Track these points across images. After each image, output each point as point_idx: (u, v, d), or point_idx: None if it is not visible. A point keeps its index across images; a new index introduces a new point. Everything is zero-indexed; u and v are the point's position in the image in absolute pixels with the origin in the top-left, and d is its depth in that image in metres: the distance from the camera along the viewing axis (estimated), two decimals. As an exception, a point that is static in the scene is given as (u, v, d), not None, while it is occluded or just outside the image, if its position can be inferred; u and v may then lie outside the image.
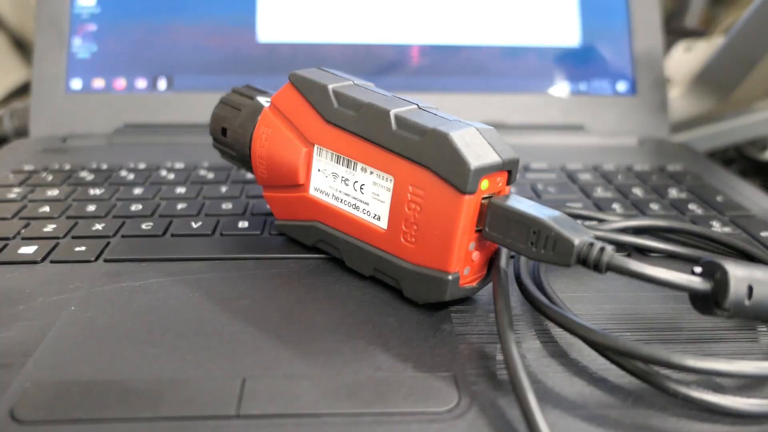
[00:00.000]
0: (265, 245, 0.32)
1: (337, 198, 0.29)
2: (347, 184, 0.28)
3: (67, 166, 0.41)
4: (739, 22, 0.45)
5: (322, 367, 0.23)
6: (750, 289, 0.21)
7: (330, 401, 0.22)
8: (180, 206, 0.36)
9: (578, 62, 0.51)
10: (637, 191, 0.40)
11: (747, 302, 0.21)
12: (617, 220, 0.33)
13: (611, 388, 0.23)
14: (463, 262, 0.25)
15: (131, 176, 0.40)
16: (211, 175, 0.40)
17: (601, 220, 0.33)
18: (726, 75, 0.48)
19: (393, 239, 0.27)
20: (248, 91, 0.33)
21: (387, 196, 0.26)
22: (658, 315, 0.27)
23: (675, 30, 0.68)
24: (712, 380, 0.23)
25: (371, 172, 0.27)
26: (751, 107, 0.54)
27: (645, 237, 0.32)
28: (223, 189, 0.38)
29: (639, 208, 0.37)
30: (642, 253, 0.32)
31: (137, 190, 0.38)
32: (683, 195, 0.40)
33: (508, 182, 0.26)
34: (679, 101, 0.52)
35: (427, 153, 0.25)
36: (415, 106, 0.27)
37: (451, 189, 0.24)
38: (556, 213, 0.24)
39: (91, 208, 0.35)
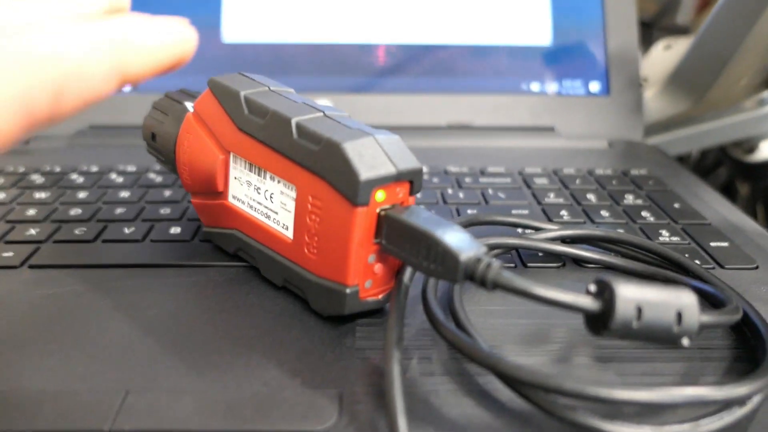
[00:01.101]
0: (191, 252, 0.31)
1: (251, 206, 0.28)
2: (259, 193, 0.28)
3: (21, 169, 0.42)
4: (707, 20, 0.43)
5: (210, 382, 0.23)
6: (639, 310, 0.20)
7: (205, 418, 0.21)
8: (119, 211, 0.35)
9: (550, 62, 0.50)
10: (591, 197, 0.38)
11: (635, 324, 0.20)
12: (553, 229, 0.31)
13: (501, 410, 0.22)
14: (362, 275, 0.25)
15: (81, 179, 0.40)
16: (159, 179, 0.40)
17: (537, 229, 0.32)
18: (699, 75, 0.46)
19: (298, 250, 0.26)
20: (179, 96, 0.33)
21: (292, 206, 0.26)
22: (574, 331, 0.26)
23: (666, 27, 0.66)
24: (611, 405, 0.22)
25: (278, 181, 0.26)
26: (736, 107, 0.52)
27: (581, 247, 0.31)
28: (167, 193, 0.38)
29: (589, 215, 0.36)
30: (578, 263, 0.31)
31: (82, 194, 0.38)
32: (639, 201, 0.38)
33: (412, 192, 0.25)
34: (655, 102, 0.50)
35: (322, 163, 0.24)
36: (321, 114, 0.26)
37: (345, 200, 0.24)
38: (452, 227, 0.23)
39: (32, 212, 0.35)
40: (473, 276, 0.22)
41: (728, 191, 0.60)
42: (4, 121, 0.17)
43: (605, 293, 0.21)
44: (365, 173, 0.23)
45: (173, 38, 0.20)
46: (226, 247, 0.30)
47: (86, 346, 0.25)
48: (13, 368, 0.23)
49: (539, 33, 0.50)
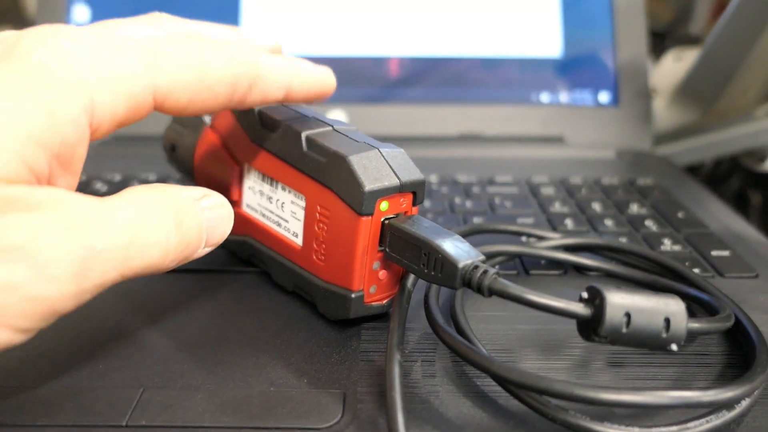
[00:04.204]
0: (206, 258, 0.32)
1: (264, 215, 0.29)
2: (271, 202, 0.29)
3: (48, 177, 0.44)
4: (713, 31, 0.44)
5: (221, 380, 0.24)
6: (628, 316, 0.21)
7: (215, 414, 0.22)
8: (139, 218, 0.37)
9: (560, 73, 0.51)
10: (596, 206, 0.39)
11: (624, 330, 0.21)
12: (555, 238, 0.32)
13: (497, 411, 0.23)
14: (367, 281, 0.26)
15: (105, 188, 0.42)
16: (178, 187, 0.42)
17: (540, 237, 0.33)
18: (707, 85, 0.47)
19: (307, 256, 0.27)
20: (197, 108, 0.34)
21: (302, 215, 0.27)
22: (573, 336, 0.27)
23: (680, 37, 0.66)
24: (601, 407, 0.23)
25: (289, 191, 0.28)
26: (746, 117, 0.52)
27: (583, 255, 0.32)
28: (185, 201, 0.39)
29: (593, 224, 0.37)
30: (579, 271, 0.32)
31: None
32: (644, 211, 0.39)
33: (415, 203, 0.26)
34: (664, 112, 0.51)
35: (330, 175, 0.25)
36: (330, 128, 0.27)
37: (351, 210, 0.25)
38: (452, 236, 0.24)
39: (57, 218, 0.37)
40: (470, 283, 0.23)
41: (740, 200, 0.60)
42: (220, 86, 0.23)
43: (596, 300, 0.22)
44: (369, 185, 0.24)
45: (323, 77, 0.27)
46: (239, 253, 0.32)
47: (105, 345, 0.26)
48: (35, 366, 0.25)
49: (549, 45, 0.51)
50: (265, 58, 0.25)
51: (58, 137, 0.19)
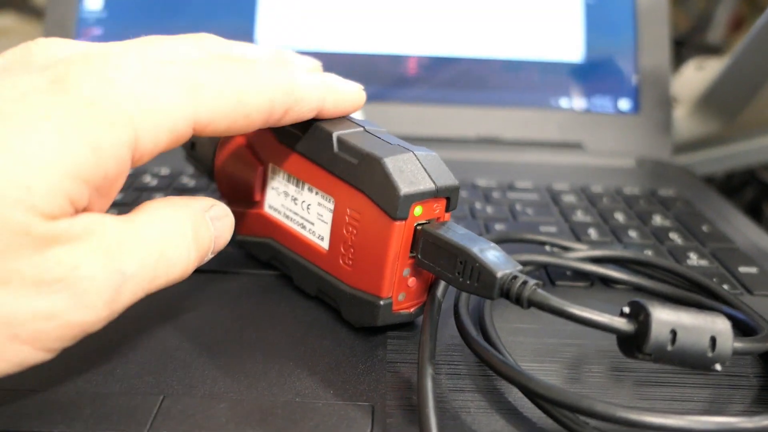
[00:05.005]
0: (224, 259, 0.32)
1: (287, 216, 0.29)
2: (296, 204, 0.28)
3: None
4: (743, 42, 0.43)
5: (244, 389, 0.23)
6: (674, 333, 0.21)
7: (239, 425, 0.22)
8: (153, 214, 0.36)
9: (580, 78, 0.50)
10: (619, 216, 0.39)
11: (669, 348, 0.21)
12: (582, 249, 0.32)
13: (530, 428, 0.22)
14: (396, 288, 0.25)
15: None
16: (192, 183, 0.41)
17: (566, 248, 0.32)
18: (732, 96, 0.46)
19: (333, 261, 0.26)
20: (218, 104, 0.33)
21: (329, 218, 0.26)
22: (605, 352, 0.26)
23: (697, 46, 0.66)
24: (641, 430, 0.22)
25: (316, 193, 0.27)
26: (766, 129, 0.51)
27: (610, 267, 0.31)
28: (200, 198, 0.38)
29: (616, 234, 0.36)
30: (606, 283, 0.31)
31: (117, 197, 0.38)
32: (668, 222, 0.38)
33: (448, 209, 0.25)
34: (685, 122, 0.50)
35: (362, 177, 0.25)
36: (362, 129, 0.26)
37: (384, 214, 0.24)
38: (488, 244, 0.23)
39: (68, 212, 0.36)
40: (509, 293, 0.22)
41: (753, 212, 0.60)
42: (257, 114, 0.23)
43: (640, 315, 0.21)
44: (405, 188, 0.23)
45: (354, 96, 0.27)
46: (260, 256, 0.31)
47: (121, 349, 0.25)
48: (53, 369, 0.24)
49: (571, 49, 0.50)
50: (301, 81, 0.24)
51: (102, 172, 0.19)
